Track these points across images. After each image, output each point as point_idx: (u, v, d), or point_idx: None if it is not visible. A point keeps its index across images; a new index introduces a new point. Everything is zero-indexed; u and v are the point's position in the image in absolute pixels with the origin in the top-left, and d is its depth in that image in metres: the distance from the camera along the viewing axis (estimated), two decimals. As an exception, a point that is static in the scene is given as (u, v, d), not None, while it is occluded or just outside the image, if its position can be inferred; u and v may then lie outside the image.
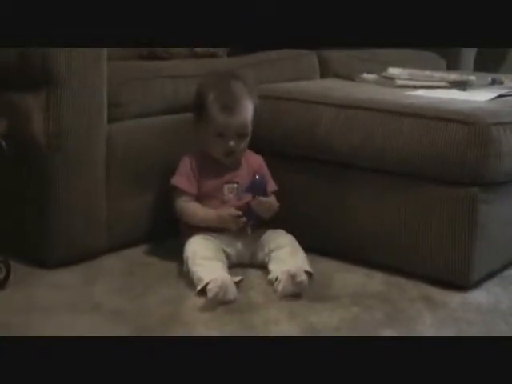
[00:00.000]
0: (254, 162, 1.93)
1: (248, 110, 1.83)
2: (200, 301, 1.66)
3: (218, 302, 1.64)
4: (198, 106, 1.84)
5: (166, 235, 1.99)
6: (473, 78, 2.21)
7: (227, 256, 1.84)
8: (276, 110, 2.00)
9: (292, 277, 1.69)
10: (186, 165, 1.86)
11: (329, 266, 1.91)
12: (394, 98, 1.91)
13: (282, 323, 1.60)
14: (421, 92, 2.03)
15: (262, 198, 1.80)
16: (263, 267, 1.85)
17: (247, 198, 1.85)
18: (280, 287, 1.72)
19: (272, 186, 1.91)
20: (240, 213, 1.80)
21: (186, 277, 1.77)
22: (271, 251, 1.84)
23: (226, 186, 1.88)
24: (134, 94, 1.92)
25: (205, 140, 1.85)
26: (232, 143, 1.83)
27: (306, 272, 1.75)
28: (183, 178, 1.85)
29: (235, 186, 1.89)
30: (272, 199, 1.84)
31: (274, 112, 2.00)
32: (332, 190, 1.94)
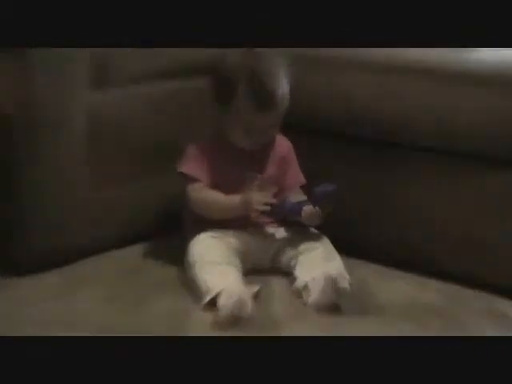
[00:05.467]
0: (281, 147, 1.84)
1: (286, 98, 1.75)
2: (208, 316, 1.57)
3: (232, 319, 1.55)
4: (224, 92, 1.76)
5: (166, 232, 1.93)
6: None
7: (242, 259, 1.74)
8: (304, 75, 1.89)
9: (333, 281, 1.60)
10: (195, 149, 1.79)
11: (370, 272, 1.83)
12: (454, 59, 1.80)
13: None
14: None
15: (316, 208, 1.72)
16: (287, 273, 1.76)
17: (272, 189, 1.76)
18: (313, 296, 1.62)
19: (302, 179, 1.85)
20: (271, 200, 1.73)
21: (190, 285, 1.70)
22: (299, 254, 1.74)
23: (247, 176, 1.78)
24: (123, 55, 1.83)
25: (228, 128, 1.78)
26: (264, 137, 1.77)
27: (345, 280, 1.72)
28: (192, 164, 1.78)
29: (257, 175, 1.78)
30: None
31: (301, 78, 1.87)
32: (374, 176, 1.86)
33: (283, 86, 1.75)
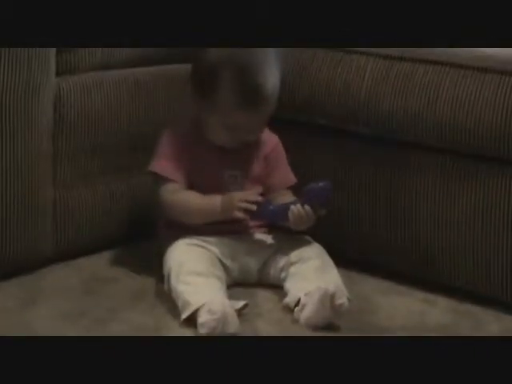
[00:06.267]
0: (267, 143, 1.78)
1: (275, 94, 1.68)
2: (186, 333, 1.51)
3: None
4: (204, 85, 1.70)
5: (139, 238, 1.87)
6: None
7: (226, 270, 1.68)
8: (299, 62, 1.84)
9: (329, 297, 1.54)
10: (168, 143, 1.73)
11: (371, 287, 1.76)
12: (461, 52, 1.73)
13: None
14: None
15: (305, 208, 1.65)
16: (277, 287, 1.69)
17: (256, 189, 1.72)
18: (307, 313, 1.55)
19: (291, 178, 1.79)
20: (255, 198, 1.67)
21: (166, 298, 1.63)
22: (290, 265, 1.67)
23: (227, 174, 1.73)
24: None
25: (207, 125, 1.73)
26: (248, 136, 1.71)
27: (343, 296, 1.69)
28: (166, 162, 1.73)
29: (238, 174, 1.73)
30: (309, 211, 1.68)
31: (297, 65, 1.83)
32: (377, 178, 1.78)
33: (273, 81, 1.68)
